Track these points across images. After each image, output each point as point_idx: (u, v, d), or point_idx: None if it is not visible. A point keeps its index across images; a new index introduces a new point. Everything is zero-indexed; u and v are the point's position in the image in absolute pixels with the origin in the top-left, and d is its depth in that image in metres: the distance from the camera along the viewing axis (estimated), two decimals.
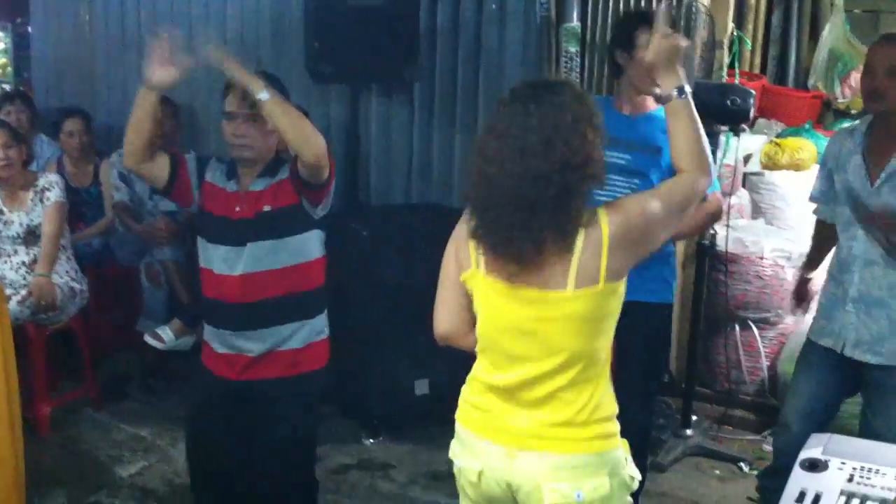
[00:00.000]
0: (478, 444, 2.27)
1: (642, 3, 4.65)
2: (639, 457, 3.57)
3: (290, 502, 3.34)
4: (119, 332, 5.24)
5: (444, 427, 4.57)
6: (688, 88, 2.27)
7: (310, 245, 3.12)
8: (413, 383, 4.57)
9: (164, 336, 4.48)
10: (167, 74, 2.89)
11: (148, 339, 4.50)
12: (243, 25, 5.66)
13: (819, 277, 3.58)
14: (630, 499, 2.29)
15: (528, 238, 2.08)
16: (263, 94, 2.82)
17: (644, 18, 3.42)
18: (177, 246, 5.03)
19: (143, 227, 5.09)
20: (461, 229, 2.28)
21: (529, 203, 2.07)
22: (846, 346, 3.19)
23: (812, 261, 3.62)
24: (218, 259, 3.08)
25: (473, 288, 2.26)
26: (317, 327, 3.19)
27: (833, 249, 3.36)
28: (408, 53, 4.89)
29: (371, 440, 4.53)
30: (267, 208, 3.03)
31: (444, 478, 4.13)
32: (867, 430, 3.23)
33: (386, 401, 4.58)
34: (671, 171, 3.38)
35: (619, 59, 3.51)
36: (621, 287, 2.17)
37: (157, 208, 5.17)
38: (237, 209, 3.05)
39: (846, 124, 3.53)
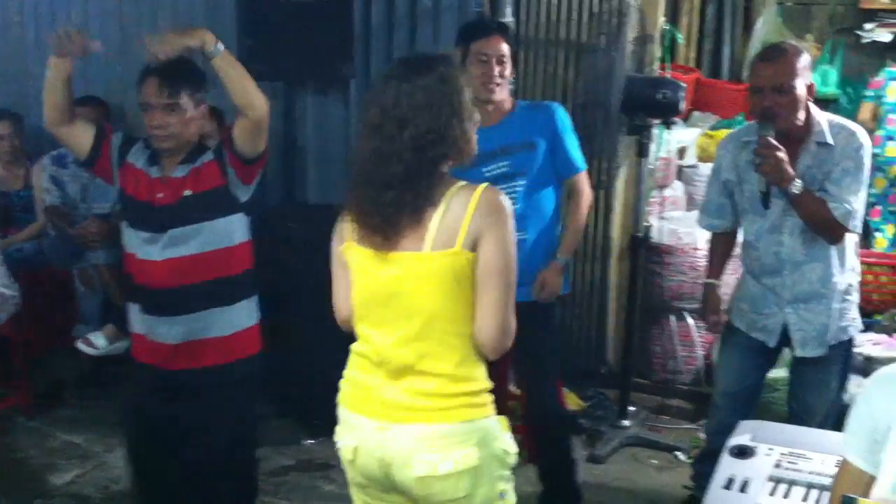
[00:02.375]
0: (352, 420, 2.32)
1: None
2: (563, 444, 3.63)
3: (225, 499, 3.30)
4: (54, 338, 5.14)
5: None
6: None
7: (233, 229, 3.10)
8: None
9: (97, 342, 4.39)
10: (71, 48, 2.93)
11: (80, 345, 4.41)
12: (175, 24, 5.57)
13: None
14: (508, 473, 2.31)
15: (381, 213, 2.18)
16: (216, 48, 2.85)
17: (479, 31, 3.53)
18: (110, 248, 4.94)
19: (75, 231, 5.00)
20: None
21: (381, 181, 2.17)
22: (794, 347, 3.25)
23: (717, 270, 3.56)
24: (140, 244, 3.07)
25: (349, 259, 2.33)
26: (245, 313, 3.17)
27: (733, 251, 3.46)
28: (342, 50, 4.86)
29: (310, 440, 4.49)
30: (188, 193, 3.02)
31: None
32: (796, 411, 3.30)
33: (325, 400, 4.51)
34: (549, 161, 3.51)
35: None
36: (474, 257, 2.18)
37: (90, 211, 5.09)
38: (159, 196, 3.04)
39: (732, 131, 3.55)
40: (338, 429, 2.38)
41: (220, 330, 3.11)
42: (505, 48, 3.49)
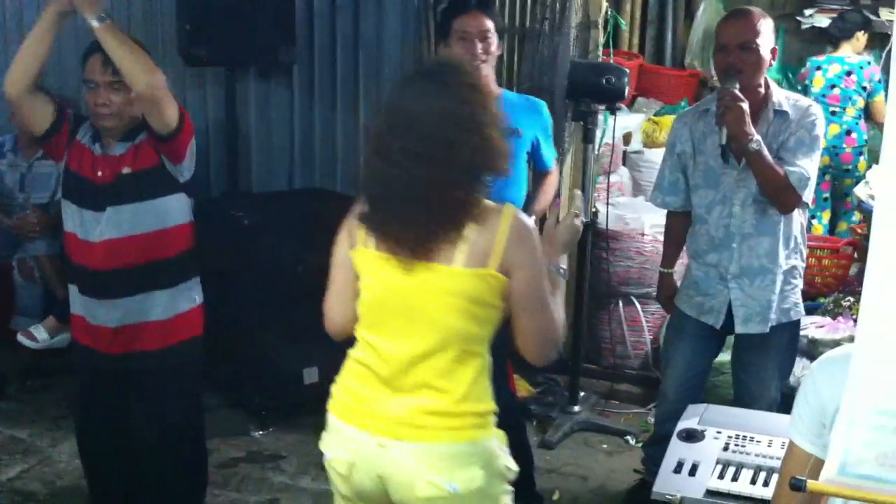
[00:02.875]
0: (348, 434, 2.21)
1: None
2: (514, 431, 3.63)
3: (176, 485, 3.28)
4: None
5: None
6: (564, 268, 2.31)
7: (172, 209, 3.06)
8: (302, 372, 4.51)
9: (38, 335, 4.31)
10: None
11: (21, 338, 4.32)
12: (113, 7, 5.44)
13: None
14: (509, 487, 2.27)
15: (416, 230, 2.09)
16: (95, 20, 2.77)
17: (461, 7, 3.47)
18: (50, 239, 4.86)
19: (14, 221, 4.91)
20: (353, 213, 2.26)
21: (415, 198, 2.08)
22: (735, 322, 3.27)
23: (671, 257, 3.61)
24: (81, 223, 3.03)
25: (360, 264, 2.23)
26: (185, 295, 3.14)
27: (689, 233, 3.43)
28: (284, 34, 4.82)
29: (260, 432, 4.45)
30: (126, 170, 2.98)
31: None
32: (742, 394, 3.34)
33: (274, 391, 4.51)
34: (527, 151, 3.54)
35: (439, 51, 3.56)
36: (506, 285, 2.13)
37: (29, 201, 4.99)
38: (99, 173, 3.00)
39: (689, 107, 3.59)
40: (326, 437, 2.28)
41: (161, 313, 3.09)
42: (488, 24, 3.42)
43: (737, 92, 3.04)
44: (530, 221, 2.19)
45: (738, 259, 3.24)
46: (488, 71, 3.44)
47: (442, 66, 2.24)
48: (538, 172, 3.71)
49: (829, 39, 5.94)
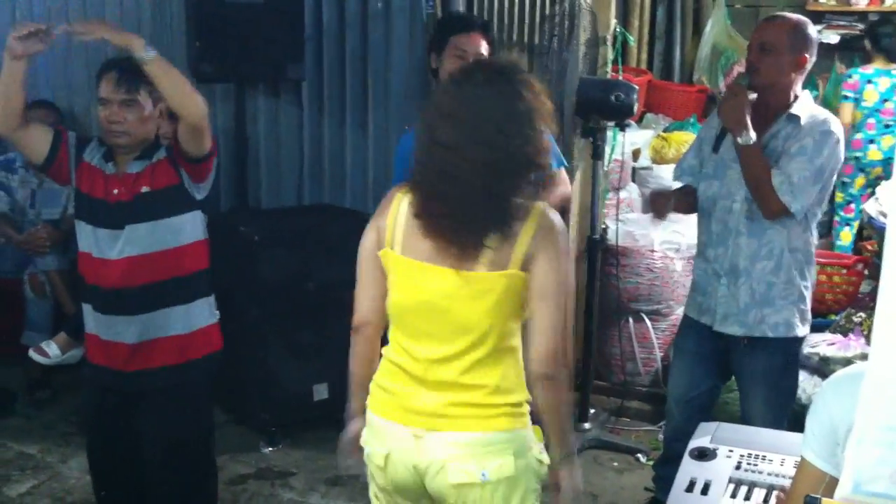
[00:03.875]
0: (384, 427, 2.26)
1: (526, 2, 4.68)
2: None
3: (186, 501, 3.28)
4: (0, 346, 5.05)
5: (342, 431, 4.53)
6: None
7: (189, 227, 3.08)
8: (311, 388, 4.51)
9: (50, 351, 4.29)
10: (32, 45, 2.83)
11: (33, 354, 4.30)
12: (123, 24, 5.50)
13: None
14: (538, 487, 2.28)
15: (472, 231, 2.11)
16: (148, 53, 2.78)
17: (461, 24, 3.50)
18: (60, 254, 4.88)
19: (24, 237, 4.92)
20: (384, 207, 2.27)
21: (489, 193, 2.09)
22: (715, 319, 3.25)
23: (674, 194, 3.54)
24: (96, 242, 3.03)
25: (389, 264, 2.25)
26: (201, 311, 3.15)
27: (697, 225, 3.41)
28: (293, 51, 4.83)
29: (269, 448, 4.44)
30: (145, 189, 3.00)
31: (344, 483, 4.10)
32: (743, 413, 3.33)
33: (284, 407, 4.50)
34: None
35: (431, 62, 3.55)
36: (527, 276, 2.15)
37: (39, 217, 5.01)
38: (115, 192, 3.01)
39: None
40: (365, 434, 2.33)
41: (178, 328, 3.09)
42: (485, 47, 3.45)
43: (742, 88, 3.06)
44: (559, 219, 2.19)
45: (731, 256, 3.22)
46: None
47: (499, 65, 2.25)
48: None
49: (864, 52, 5.95)
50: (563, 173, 3.61)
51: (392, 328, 2.30)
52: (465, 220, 2.11)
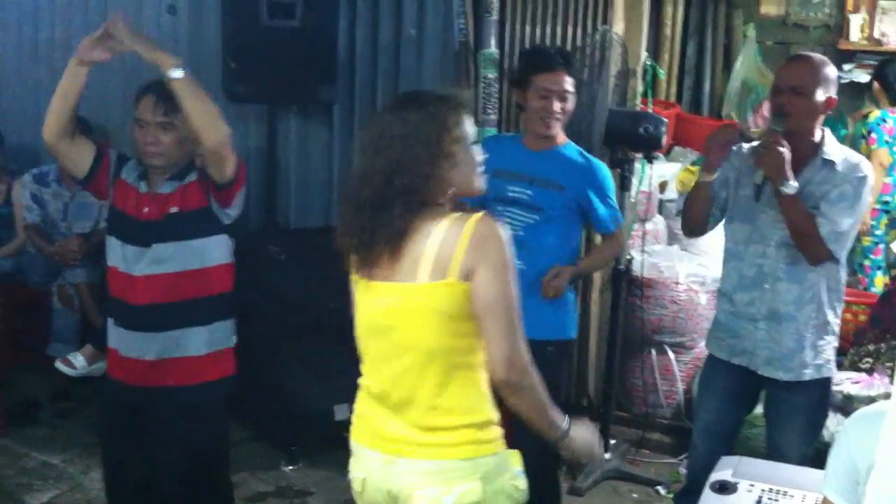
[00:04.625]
0: (360, 452, 2.34)
1: (558, 32, 4.71)
2: (546, 477, 3.58)
3: None
4: (23, 356, 5.10)
5: None
6: None
7: (215, 249, 3.11)
8: (332, 408, 4.52)
9: (76, 362, 4.35)
10: (100, 53, 2.89)
11: (59, 365, 4.37)
12: (160, 45, 5.57)
13: None
14: None
15: (356, 235, 2.22)
16: (175, 72, 2.82)
17: (544, 64, 3.51)
18: (89, 267, 4.94)
19: (55, 249, 4.99)
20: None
21: (356, 203, 2.22)
22: (759, 364, 3.23)
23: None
24: (123, 258, 3.07)
25: (353, 289, 2.35)
26: (219, 335, 3.17)
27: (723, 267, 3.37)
28: (325, 74, 4.89)
29: (289, 467, 4.46)
30: (174, 210, 3.03)
31: None
32: (773, 449, 3.30)
33: (305, 426, 4.52)
34: (574, 208, 3.53)
35: (517, 98, 3.65)
36: (469, 289, 2.15)
37: (71, 230, 5.07)
38: (145, 210, 3.05)
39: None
40: (351, 460, 2.40)
41: (197, 349, 3.11)
42: (569, 83, 3.48)
43: (779, 136, 3.04)
44: (498, 227, 2.19)
45: (769, 301, 3.19)
46: (559, 129, 3.53)
47: (418, 95, 2.38)
48: (601, 234, 3.78)
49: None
50: (619, 233, 3.69)
51: (359, 353, 2.37)
52: (353, 224, 2.22)
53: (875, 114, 5.72)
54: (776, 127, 3.08)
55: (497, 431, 2.28)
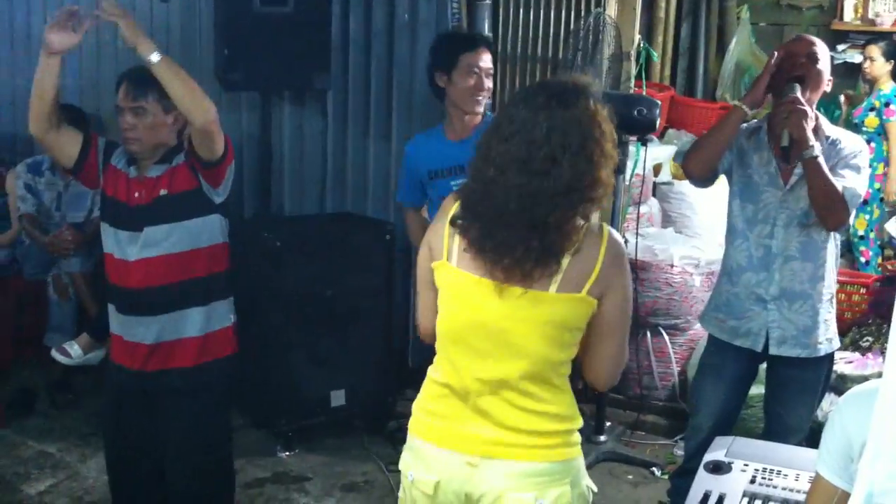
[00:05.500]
0: (434, 454, 2.20)
1: (552, 15, 4.71)
2: None
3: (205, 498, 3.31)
4: (20, 347, 5.10)
5: (358, 438, 4.55)
6: None
7: (208, 230, 3.12)
8: (329, 394, 4.54)
9: (72, 351, 4.37)
10: (67, 38, 2.88)
11: (55, 354, 4.39)
12: (152, 33, 5.56)
13: None
14: None
15: (516, 255, 2.05)
16: (152, 56, 2.82)
17: (469, 43, 3.59)
18: (85, 257, 4.94)
19: (50, 239, 4.98)
20: (439, 220, 2.22)
21: (525, 221, 2.04)
22: (770, 344, 3.24)
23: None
24: (117, 244, 3.08)
25: (441, 279, 2.19)
26: (218, 314, 3.18)
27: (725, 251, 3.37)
28: (319, 61, 4.87)
29: (286, 453, 4.47)
30: (163, 192, 3.04)
31: (359, 489, 4.13)
32: (779, 426, 3.31)
33: (301, 413, 4.53)
34: None
35: (438, 80, 3.63)
36: (597, 305, 2.12)
37: (65, 219, 5.07)
38: (136, 195, 3.06)
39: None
40: (408, 459, 2.27)
41: (196, 330, 3.13)
42: (490, 62, 3.58)
43: (800, 97, 3.07)
44: (622, 241, 2.19)
45: (778, 281, 3.20)
46: (482, 106, 3.60)
47: (563, 88, 2.12)
48: None
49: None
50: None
51: (442, 345, 2.23)
52: (497, 244, 2.06)
53: (891, 85, 5.71)
54: (790, 91, 3.10)
55: (579, 437, 2.25)
